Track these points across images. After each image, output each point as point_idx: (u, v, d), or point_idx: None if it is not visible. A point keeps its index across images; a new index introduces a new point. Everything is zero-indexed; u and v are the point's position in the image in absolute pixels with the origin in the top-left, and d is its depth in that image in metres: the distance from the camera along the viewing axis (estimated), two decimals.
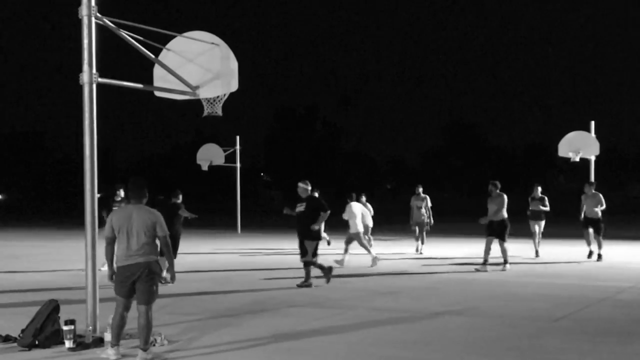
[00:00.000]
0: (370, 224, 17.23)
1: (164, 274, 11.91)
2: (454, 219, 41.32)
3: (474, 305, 9.84)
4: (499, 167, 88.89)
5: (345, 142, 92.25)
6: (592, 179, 24.43)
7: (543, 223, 17.25)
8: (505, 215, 14.12)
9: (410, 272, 13.91)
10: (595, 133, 24.06)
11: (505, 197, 14.16)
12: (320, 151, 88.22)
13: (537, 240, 17.21)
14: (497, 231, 14.13)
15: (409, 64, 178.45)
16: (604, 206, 16.07)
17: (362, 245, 15.04)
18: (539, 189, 17.37)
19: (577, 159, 23.67)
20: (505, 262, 14.20)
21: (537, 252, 17.03)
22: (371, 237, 17.40)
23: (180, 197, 12.77)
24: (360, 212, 15.30)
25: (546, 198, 17.17)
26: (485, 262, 13.98)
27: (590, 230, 16.21)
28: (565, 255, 17.78)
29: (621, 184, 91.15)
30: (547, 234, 25.91)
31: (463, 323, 8.51)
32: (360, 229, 15.14)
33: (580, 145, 23.51)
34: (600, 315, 9.06)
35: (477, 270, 13.86)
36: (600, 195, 16.04)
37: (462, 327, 8.28)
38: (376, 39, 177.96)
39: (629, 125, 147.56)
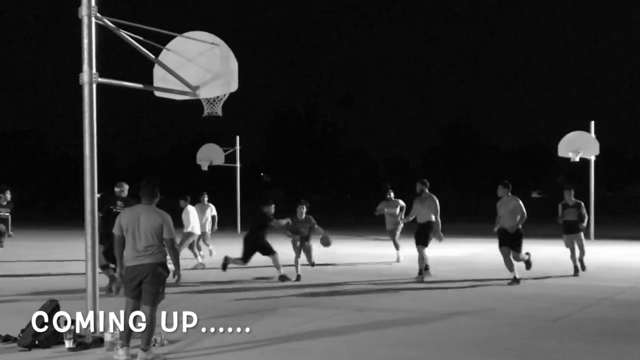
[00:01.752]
0: (208, 226, 15.69)
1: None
2: (453, 219, 41.31)
3: (473, 305, 9.84)
4: (499, 167, 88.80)
5: (345, 142, 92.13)
6: (592, 179, 24.52)
7: (582, 236, 13.54)
8: (433, 218, 12.65)
9: (409, 273, 13.89)
10: (595, 133, 24.11)
11: (437, 199, 12.68)
12: (320, 151, 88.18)
13: (576, 256, 13.55)
14: (420, 235, 12.73)
15: (409, 64, 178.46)
16: (524, 216, 12.33)
17: (190, 248, 14.60)
18: (572, 192, 13.59)
19: (577, 159, 23.71)
20: (421, 271, 12.58)
21: (582, 266, 13.50)
22: (208, 242, 15.95)
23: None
24: (196, 216, 14.61)
25: (582, 205, 13.51)
26: (427, 268, 12.77)
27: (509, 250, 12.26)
28: (565, 255, 17.76)
29: (621, 183, 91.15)
30: (547, 235, 25.92)
31: (463, 323, 8.51)
32: (197, 231, 14.50)
33: (580, 145, 23.57)
34: (600, 315, 9.06)
35: (419, 280, 12.46)
36: (518, 201, 12.33)
37: (462, 327, 8.28)
38: (376, 39, 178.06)
39: (629, 125, 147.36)
